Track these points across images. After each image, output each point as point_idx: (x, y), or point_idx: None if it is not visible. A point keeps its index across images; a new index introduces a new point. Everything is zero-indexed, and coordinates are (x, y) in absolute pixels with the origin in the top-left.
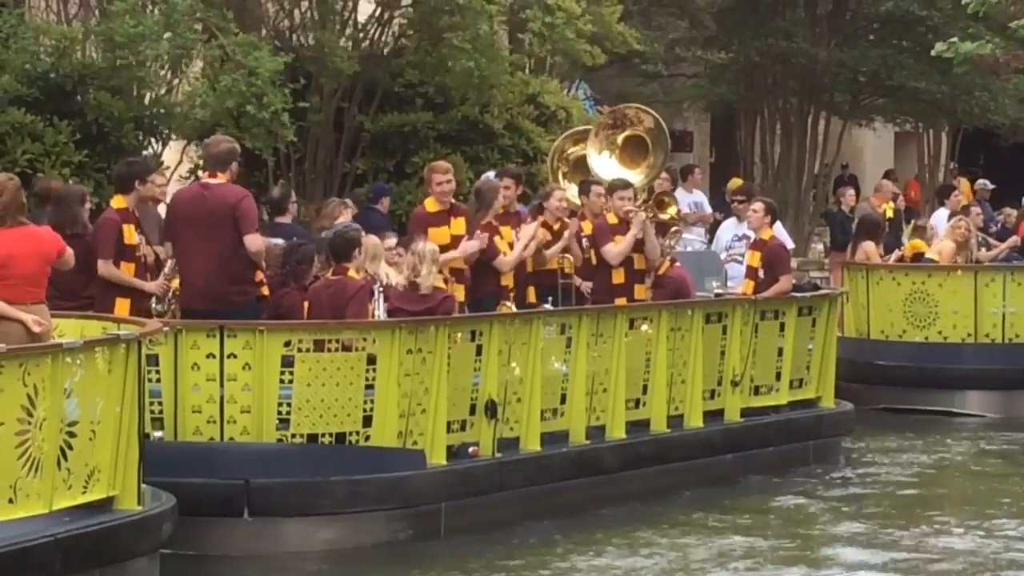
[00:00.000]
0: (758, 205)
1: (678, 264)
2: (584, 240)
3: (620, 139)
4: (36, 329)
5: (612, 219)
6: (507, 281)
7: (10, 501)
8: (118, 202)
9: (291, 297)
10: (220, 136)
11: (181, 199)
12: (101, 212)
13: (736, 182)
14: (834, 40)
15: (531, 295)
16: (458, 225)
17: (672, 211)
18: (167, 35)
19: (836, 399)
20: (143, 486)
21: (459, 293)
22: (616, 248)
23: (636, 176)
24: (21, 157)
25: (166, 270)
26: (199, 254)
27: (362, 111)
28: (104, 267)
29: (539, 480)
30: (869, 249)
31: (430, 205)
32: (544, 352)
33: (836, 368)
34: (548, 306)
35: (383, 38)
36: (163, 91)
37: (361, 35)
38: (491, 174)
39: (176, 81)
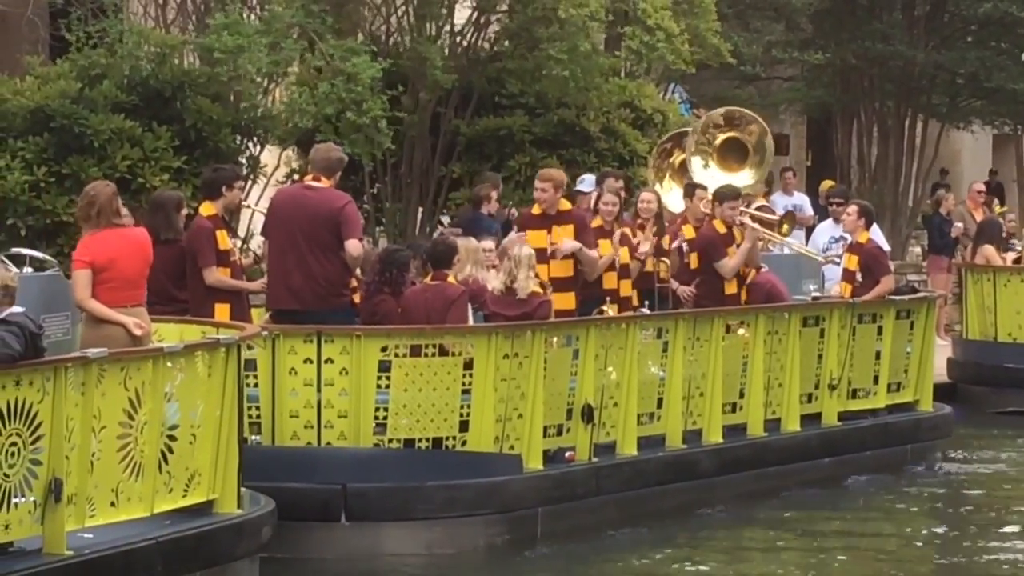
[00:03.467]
0: (852, 208)
1: (764, 269)
2: (684, 245)
3: (718, 142)
4: (137, 332)
5: (720, 227)
6: (611, 283)
7: (112, 504)
8: (207, 208)
9: (387, 304)
10: (332, 144)
11: (282, 198)
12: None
13: (828, 184)
14: (931, 42)
15: (634, 298)
16: (562, 232)
17: (786, 229)
18: (266, 43)
19: (935, 402)
20: (242, 490)
21: (568, 300)
22: (731, 263)
23: (742, 179)
24: (121, 163)
25: (266, 270)
26: (294, 253)
27: (458, 115)
28: (211, 275)
29: (636, 484)
30: (989, 253)
31: (536, 209)
32: (641, 356)
33: (960, 371)
34: (645, 310)
35: (479, 42)
36: (260, 98)
37: (458, 39)
38: (590, 177)
39: (273, 86)
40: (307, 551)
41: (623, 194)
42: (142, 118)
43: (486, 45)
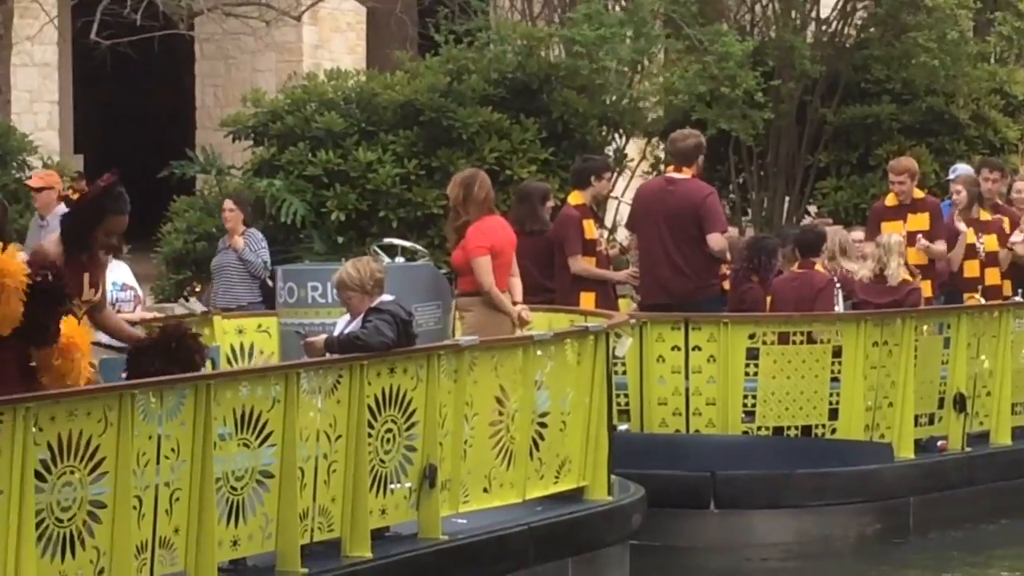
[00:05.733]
0: None
1: None
2: None
3: None
4: (524, 318)
5: None
6: (973, 272)
7: (485, 490)
8: (575, 198)
9: (754, 291)
10: (686, 131)
11: (645, 192)
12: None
13: None
14: None
15: (1005, 287)
16: (918, 221)
17: None
18: (629, 33)
19: None
20: (612, 477)
21: (925, 288)
22: None
23: None
24: (489, 155)
25: (633, 260)
26: (661, 248)
27: (824, 103)
28: (575, 264)
29: (1010, 475)
30: None
31: (889, 199)
32: (1014, 345)
33: None
34: (1019, 298)
35: (845, 29)
36: (626, 88)
37: (824, 27)
38: (963, 166)
39: (638, 77)
40: (676, 538)
41: (993, 182)
42: (509, 111)
43: (852, 32)
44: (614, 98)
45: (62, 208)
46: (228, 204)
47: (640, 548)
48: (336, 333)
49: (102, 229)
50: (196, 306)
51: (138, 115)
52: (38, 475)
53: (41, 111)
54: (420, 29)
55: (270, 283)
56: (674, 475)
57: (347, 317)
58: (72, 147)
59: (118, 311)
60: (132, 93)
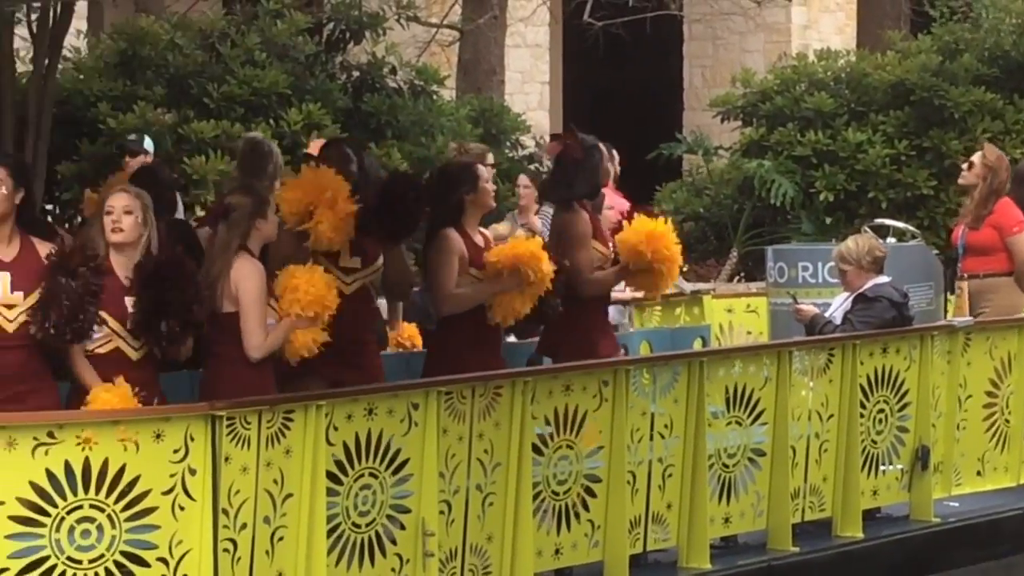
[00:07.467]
0: None
1: None
2: None
3: None
4: None
5: None
6: None
7: (978, 473)
8: None
9: None
10: None
11: None
12: None
13: None
14: None
15: None
16: None
17: None
18: None
19: None
20: None
21: None
22: None
23: None
24: (982, 135)
25: None
26: None
27: None
28: None
29: None
30: None
31: None
32: None
33: None
34: None
35: None
36: None
37: None
38: None
39: None
40: None
41: None
42: (1003, 90)
43: None
44: None
45: None
46: (523, 180)
47: None
48: (831, 310)
49: None
50: (685, 285)
51: (626, 95)
52: (535, 448)
53: (532, 91)
54: (913, 6)
55: None
56: None
57: (844, 295)
58: (562, 127)
59: None
60: (620, 73)
